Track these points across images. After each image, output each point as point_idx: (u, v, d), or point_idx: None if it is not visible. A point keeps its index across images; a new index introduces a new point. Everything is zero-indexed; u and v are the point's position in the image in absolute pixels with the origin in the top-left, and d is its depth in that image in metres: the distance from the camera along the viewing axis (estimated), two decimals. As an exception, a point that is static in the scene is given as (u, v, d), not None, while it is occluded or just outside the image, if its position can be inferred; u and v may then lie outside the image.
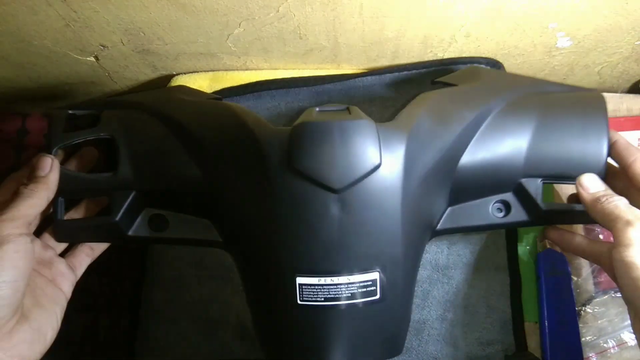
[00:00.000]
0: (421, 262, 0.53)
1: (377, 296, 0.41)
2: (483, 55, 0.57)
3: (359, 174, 0.39)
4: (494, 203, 0.48)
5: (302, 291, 0.40)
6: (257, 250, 0.42)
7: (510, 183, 0.47)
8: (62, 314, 0.44)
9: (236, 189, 0.43)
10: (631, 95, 0.63)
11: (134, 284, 0.81)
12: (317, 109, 0.44)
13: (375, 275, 0.40)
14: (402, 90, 0.58)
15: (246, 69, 0.60)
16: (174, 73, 0.60)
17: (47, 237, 0.46)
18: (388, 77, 0.58)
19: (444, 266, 0.56)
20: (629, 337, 0.54)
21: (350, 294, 0.40)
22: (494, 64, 0.58)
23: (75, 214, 0.48)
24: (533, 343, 0.55)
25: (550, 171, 0.46)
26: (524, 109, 0.47)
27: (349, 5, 0.46)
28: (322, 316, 0.40)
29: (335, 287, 0.40)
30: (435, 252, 0.56)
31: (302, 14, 0.48)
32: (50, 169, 0.43)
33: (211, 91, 0.59)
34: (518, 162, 0.45)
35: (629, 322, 0.53)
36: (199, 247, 0.53)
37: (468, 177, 0.45)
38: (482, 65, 0.57)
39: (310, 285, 0.40)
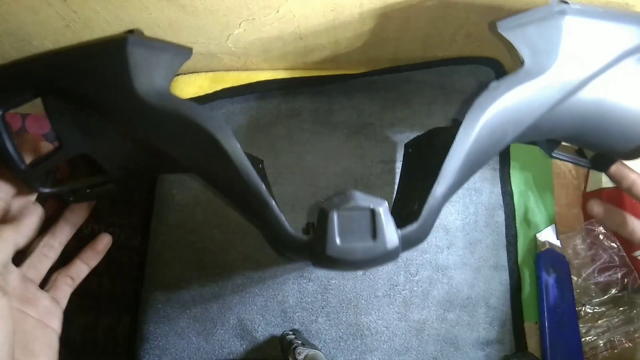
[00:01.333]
0: (421, 262, 0.54)
1: None
2: (483, 55, 0.57)
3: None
4: None
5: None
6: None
7: None
8: (57, 354, 0.40)
9: None
10: None
11: (133, 284, 0.81)
12: (335, 212, 0.34)
13: None
14: (403, 89, 0.59)
15: (246, 69, 0.60)
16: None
17: (26, 268, 0.41)
18: (389, 76, 0.59)
19: (444, 266, 0.56)
20: (628, 337, 0.54)
21: None
22: (494, 65, 0.58)
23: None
24: (533, 343, 0.55)
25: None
26: None
27: (349, 6, 0.46)
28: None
29: None
30: (435, 252, 0.56)
31: (302, 14, 0.48)
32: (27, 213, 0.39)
33: (211, 91, 0.59)
34: None
35: (628, 322, 0.53)
36: (197, 246, 0.55)
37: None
38: (482, 67, 0.58)
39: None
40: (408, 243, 0.35)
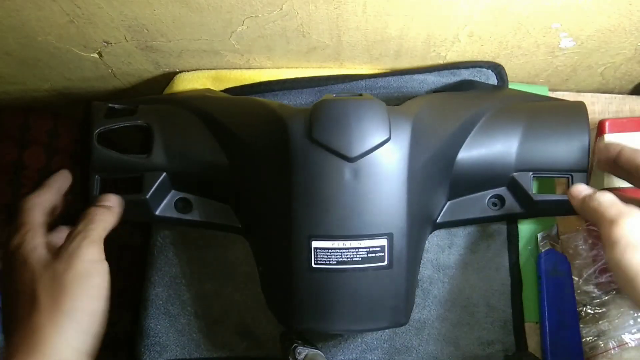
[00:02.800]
0: (422, 262, 0.54)
1: (385, 262, 0.44)
2: (486, 55, 0.57)
3: (371, 145, 0.44)
4: (490, 197, 0.53)
5: (317, 255, 0.44)
6: (275, 222, 0.47)
7: (503, 177, 0.52)
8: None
9: (259, 170, 0.48)
10: (634, 97, 0.63)
11: (134, 281, 0.81)
12: (334, 94, 0.48)
13: (383, 241, 0.44)
14: (405, 92, 0.59)
15: (249, 67, 0.60)
16: (177, 70, 0.60)
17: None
18: (391, 79, 0.59)
19: (445, 266, 0.56)
20: (629, 337, 0.53)
21: (360, 258, 0.44)
22: (495, 67, 0.59)
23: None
24: (533, 343, 0.55)
25: (539, 165, 0.51)
26: (514, 112, 0.52)
27: (353, 3, 0.46)
28: (334, 279, 0.44)
29: (347, 250, 0.44)
30: (436, 252, 0.56)
31: (306, 11, 0.48)
32: (117, 203, 0.48)
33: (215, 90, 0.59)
34: (510, 157, 0.51)
35: (630, 322, 0.53)
36: (199, 243, 0.56)
37: (465, 171, 0.51)
38: (484, 69, 0.59)
39: (324, 249, 0.44)
40: None
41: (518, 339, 0.54)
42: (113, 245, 0.84)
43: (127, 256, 0.86)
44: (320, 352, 0.48)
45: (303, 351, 0.47)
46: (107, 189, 0.51)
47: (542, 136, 0.51)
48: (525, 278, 0.56)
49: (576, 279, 0.55)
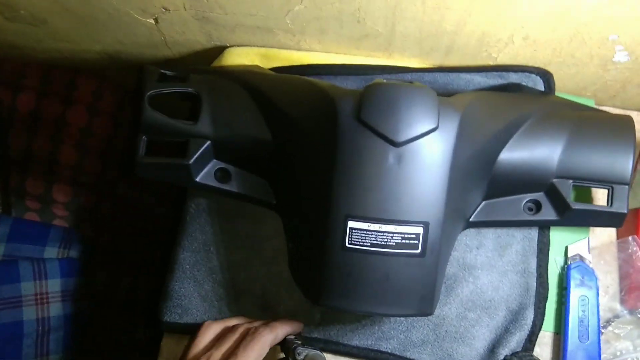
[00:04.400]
0: (448, 259, 0.54)
1: (418, 250, 0.45)
2: (537, 61, 0.57)
3: (418, 132, 0.44)
4: (526, 202, 0.53)
5: (352, 235, 0.44)
6: (314, 199, 0.47)
7: (542, 182, 0.52)
8: None
9: (304, 147, 0.49)
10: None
11: (157, 250, 0.83)
12: (385, 80, 0.49)
13: (419, 229, 0.44)
14: (450, 89, 0.59)
15: (299, 49, 0.60)
16: (228, 45, 0.61)
17: None
18: (438, 75, 0.59)
19: (470, 265, 0.55)
20: (651, 359, 0.53)
21: (394, 243, 0.44)
22: (544, 74, 0.58)
23: None
24: (546, 352, 0.55)
25: (580, 174, 0.51)
26: (560, 119, 0.52)
27: (413, -8, 0.47)
28: (366, 260, 0.45)
29: (382, 234, 0.44)
30: (463, 251, 0.56)
31: (365, -4, 0.48)
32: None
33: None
34: (551, 163, 0.51)
35: (652, 344, 0.53)
36: (232, 213, 0.57)
37: (505, 172, 0.50)
38: (533, 75, 0.59)
39: (360, 229, 0.44)
40: None
41: (533, 345, 0.54)
42: (141, 212, 0.86)
43: (152, 224, 0.88)
44: (320, 352, 0.48)
45: (303, 351, 0.48)
46: (151, 152, 0.52)
47: (586, 145, 0.51)
48: (550, 287, 0.55)
49: (603, 294, 0.55)
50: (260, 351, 0.46)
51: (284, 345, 0.50)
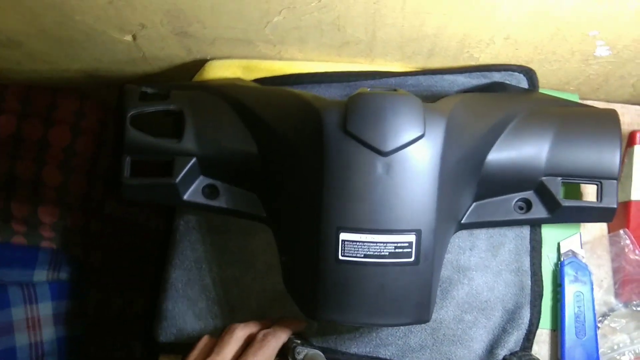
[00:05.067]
0: (443, 262, 0.54)
1: (412, 258, 0.44)
2: (519, 59, 0.57)
3: (405, 140, 0.44)
4: (516, 201, 0.53)
5: (344, 247, 0.44)
6: (304, 212, 0.47)
7: (532, 181, 0.52)
8: None
9: (291, 160, 0.48)
10: (664, 110, 0.62)
11: (150, 264, 0.82)
12: (369, 88, 0.49)
13: (411, 237, 0.44)
14: (434, 92, 0.59)
15: (280, 59, 0.60)
16: (208, 58, 0.60)
17: None
18: (421, 78, 0.59)
19: (465, 267, 0.55)
20: (648, 351, 0.53)
21: (388, 253, 0.44)
22: (527, 72, 0.58)
23: None
24: (544, 350, 0.55)
25: (569, 170, 0.51)
26: (545, 116, 0.52)
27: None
28: (360, 272, 0.44)
29: (375, 244, 0.44)
30: (457, 253, 0.56)
31: (344, 5, 0.48)
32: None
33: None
34: (539, 161, 0.51)
35: (648, 336, 0.53)
36: (221, 229, 0.56)
37: (494, 173, 0.50)
38: (516, 73, 0.59)
39: (352, 241, 0.44)
40: None
41: (531, 344, 0.54)
42: (130, 230, 0.85)
43: (143, 241, 0.87)
44: (320, 352, 0.48)
45: (302, 351, 0.47)
46: (136, 172, 0.51)
47: (573, 142, 0.51)
48: (545, 285, 0.55)
49: (597, 289, 0.55)
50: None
51: (284, 344, 0.49)
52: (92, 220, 0.79)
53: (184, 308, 0.55)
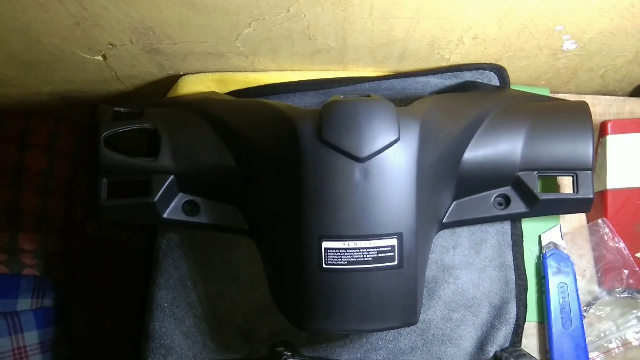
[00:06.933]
0: (427, 263, 0.54)
1: (396, 262, 0.45)
2: (489, 57, 0.58)
3: (380, 145, 0.44)
4: (495, 197, 0.54)
5: (327, 255, 0.44)
6: (285, 223, 0.47)
7: (508, 176, 0.52)
8: None
9: (268, 171, 0.48)
10: (634, 99, 0.64)
11: (136, 283, 0.81)
12: (342, 95, 0.49)
13: (393, 241, 0.44)
14: (408, 94, 0.59)
15: (253, 70, 0.60)
16: (181, 73, 0.60)
17: None
18: (395, 81, 0.59)
19: (449, 266, 0.56)
20: (633, 337, 0.54)
21: (371, 258, 0.44)
22: (498, 69, 0.59)
23: None
24: (533, 343, 0.55)
25: (544, 164, 0.52)
26: (518, 112, 0.53)
27: (359, 6, 0.47)
28: (345, 279, 0.44)
29: (357, 250, 0.44)
30: (440, 252, 0.56)
31: (313, 14, 0.48)
32: None
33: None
34: (514, 157, 0.51)
35: (633, 322, 0.54)
36: (204, 245, 0.55)
37: (471, 171, 0.51)
38: (487, 71, 0.59)
39: (335, 249, 0.44)
40: None
41: (520, 338, 0.55)
42: (113, 249, 0.84)
43: (126, 258, 0.85)
44: None
45: None
46: (114, 192, 0.51)
47: (546, 135, 0.52)
48: (529, 278, 0.56)
49: (580, 278, 0.56)
50: None
51: (274, 357, 0.49)
52: (73, 242, 0.78)
53: (171, 327, 0.54)
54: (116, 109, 0.53)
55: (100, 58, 0.56)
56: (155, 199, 0.50)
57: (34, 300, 0.72)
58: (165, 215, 0.51)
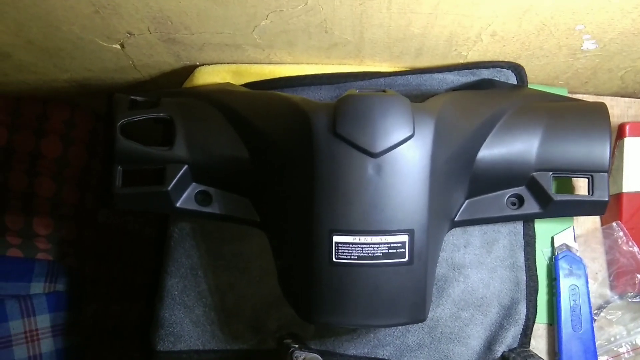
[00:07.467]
0: (437, 261, 0.54)
1: (406, 258, 0.45)
2: (507, 56, 0.57)
3: (395, 141, 0.44)
4: (509, 197, 0.53)
5: (338, 249, 0.44)
6: (296, 216, 0.47)
7: (523, 176, 0.52)
8: None
9: (281, 163, 0.48)
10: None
11: (146, 272, 0.82)
12: (358, 90, 0.49)
13: (404, 237, 0.44)
14: (423, 90, 0.59)
15: (269, 63, 0.60)
16: (197, 64, 0.60)
17: None
18: (410, 77, 0.59)
19: (460, 265, 0.56)
20: (644, 342, 0.53)
21: (381, 254, 0.44)
22: (516, 68, 0.59)
23: None
24: (542, 344, 0.55)
25: (559, 165, 0.51)
26: (535, 112, 0.52)
27: (378, 0, 0.46)
28: (354, 274, 0.45)
29: (368, 246, 0.44)
30: (451, 251, 0.56)
31: (330, 7, 0.48)
32: None
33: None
34: (530, 157, 0.51)
35: (645, 327, 0.53)
36: (214, 235, 0.56)
37: (485, 170, 0.51)
38: (504, 70, 0.59)
39: (346, 243, 0.44)
40: None
41: (529, 339, 0.54)
42: (125, 238, 0.85)
43: (137, 247, 0.86)
44: (318, 356, 0.48)
45: (301, 355, 0.47)
46: (128, 180, 0.51)
47: (563, 136, 0.51)
48: (540, 279, 0.56)
49: (592, 281, 0.55)
50: None
51: (282, 349, 0.49)
52: (86, 230, 0.79)
53: (181, 315, 0.55)
54: (132, 97, 0.53)
55: (118, 47, 0.56)
56: (169, 188, 0.50)
57: (47, 285, 0.73)
58: (178, 205, 0.52)
